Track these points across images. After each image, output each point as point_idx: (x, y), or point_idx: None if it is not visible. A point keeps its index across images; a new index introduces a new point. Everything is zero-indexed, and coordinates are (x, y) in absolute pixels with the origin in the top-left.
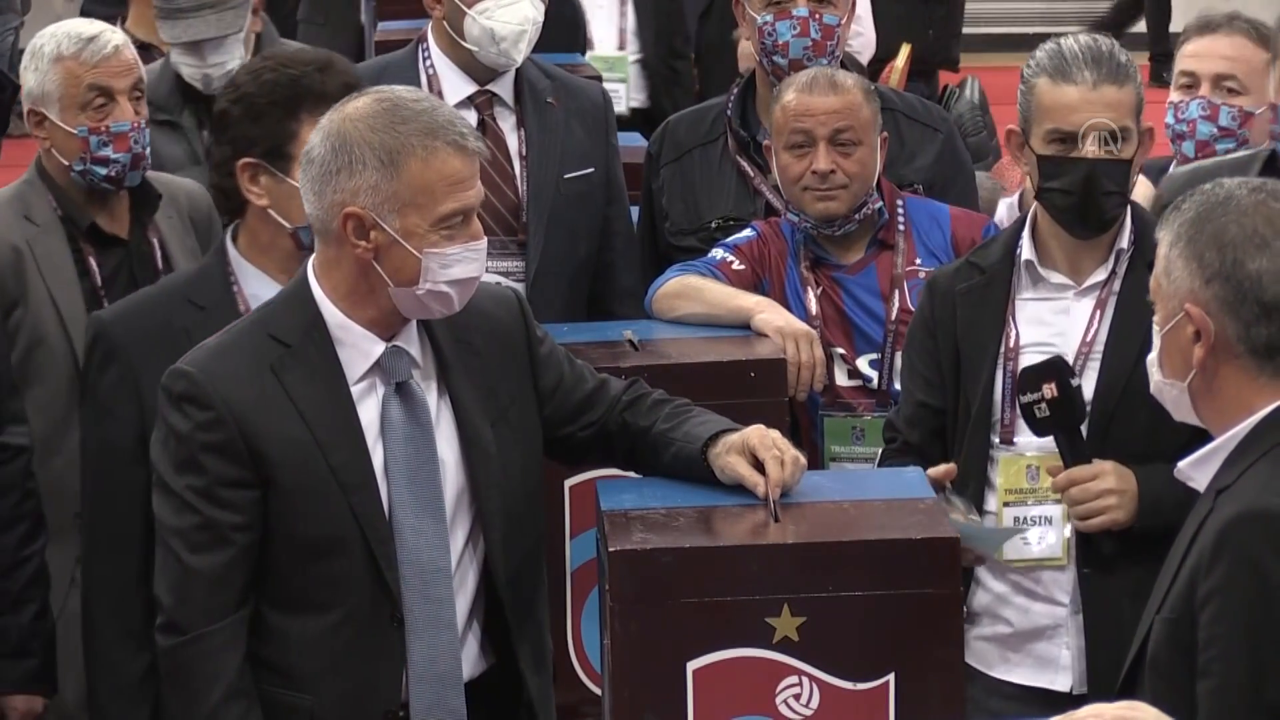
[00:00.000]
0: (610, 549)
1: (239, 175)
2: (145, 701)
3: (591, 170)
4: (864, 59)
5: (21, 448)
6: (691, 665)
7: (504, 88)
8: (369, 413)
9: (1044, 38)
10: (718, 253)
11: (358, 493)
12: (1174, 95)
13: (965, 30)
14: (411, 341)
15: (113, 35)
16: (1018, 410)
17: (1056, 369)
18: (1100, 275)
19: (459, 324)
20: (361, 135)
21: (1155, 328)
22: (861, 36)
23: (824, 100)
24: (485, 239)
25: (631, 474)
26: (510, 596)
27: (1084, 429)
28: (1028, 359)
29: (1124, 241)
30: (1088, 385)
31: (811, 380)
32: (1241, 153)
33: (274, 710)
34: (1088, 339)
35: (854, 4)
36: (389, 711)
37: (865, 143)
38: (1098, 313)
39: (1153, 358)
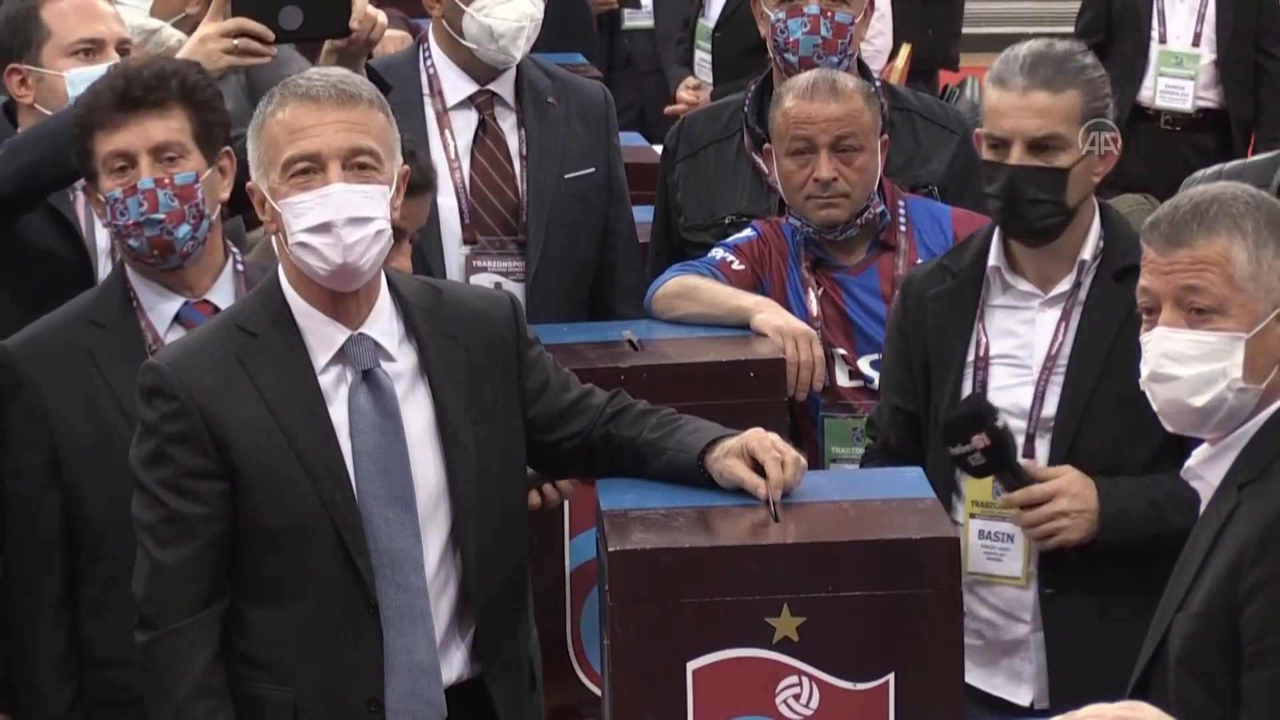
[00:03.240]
0: (610, 549)
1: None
2: None
3: (592, 170)
4: (880, 61)
5: None
6: (691, 665)
7: (505, 87)
8: (338, 402)
9: (1043, 38)
10: (718, 253)
11: (325, 479)
12: None
13: (965, 30)
14: (383, 331)
15: (173, 32)
16: None
17: (980, 416)
18: (1065, 285)
19: (443, 318)
20: (255, 116)
21: (1227, 336)
22: (882, 36)
23: (825, 107)
24: (334, 183)
25: None
26: (480, 595)
27: (1046, 445)
28: (996, 370)
29: (1086, 252)
30: (1051, 398)
31: (811, 380)
32: (1264, 155)
33: (259, 704)
34: (1052, 351)
35: (871, 2)
36: (371, 700)
37: (867, 148)
38: (1063, 324)
39: (1215, 369)
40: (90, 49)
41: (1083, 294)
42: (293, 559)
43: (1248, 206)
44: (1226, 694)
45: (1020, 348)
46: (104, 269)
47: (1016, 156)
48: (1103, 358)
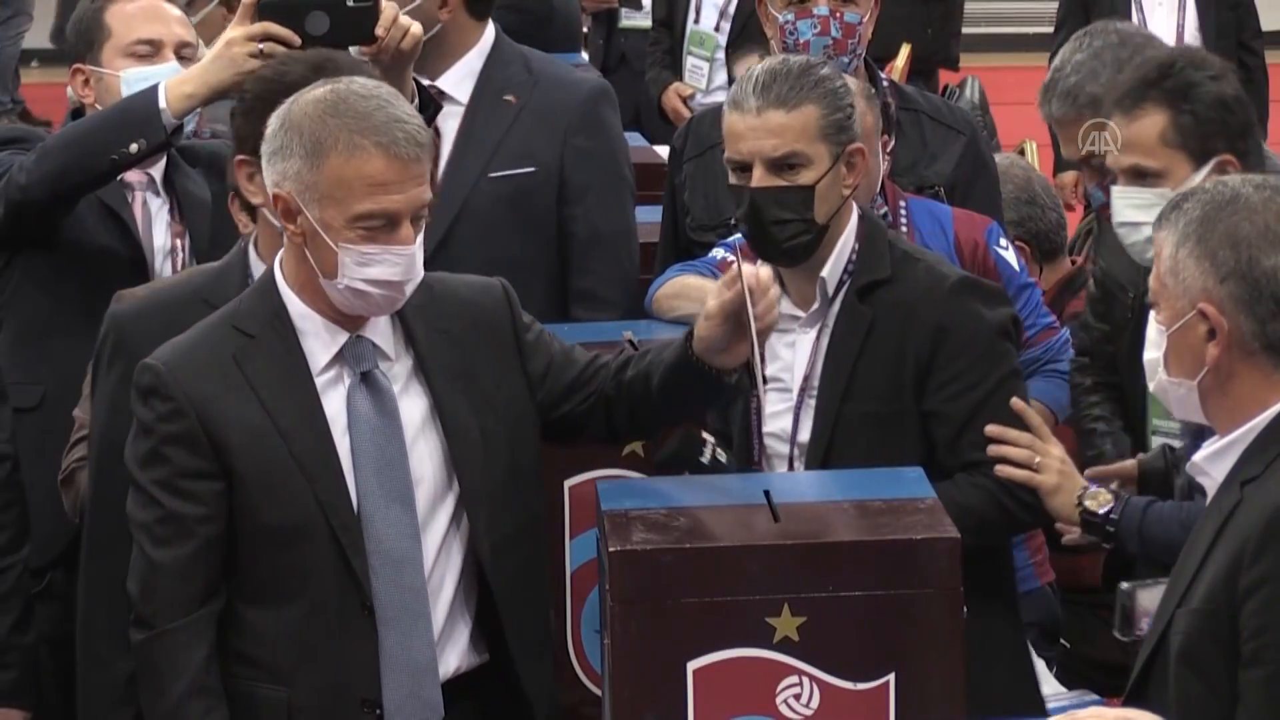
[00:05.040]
0: (610, 549)
1: (237, 173)
2: (130, 703)
3: (532, 169)
4: None
5: (3, 455)
6: (691, 665)
7: (456, 83)
8: (335, 403)
9: (1044, 38)
10: (718, 252)
11: (321, 481)
12: None
13: (965, 30)
14: (380, 332)
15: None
16: (764, 444)
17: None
18: (817, 305)
19: (436, 314)
20: (298, 121)
21: (1158, 328)
22: None
23: None
24: (413, 245)
25: (631, 474)
26: (500, 584)
27: (800, 466)
28: (768, 394)
29: (825, 270)
30: (806, 422)
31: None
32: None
33: (253, 703)
34: (806, 373)
35: (877, 2)
36: (366, 701)
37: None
38: (816, 345)
39: (1154, 358)
40: (148, 50)
41: (830, 312)
42: (289, 559)
43: (1197, 203)
44: (1225, 690)
45: (784, 370)
46: (161, 268)
47: (758, 179)
48: (846, 379)
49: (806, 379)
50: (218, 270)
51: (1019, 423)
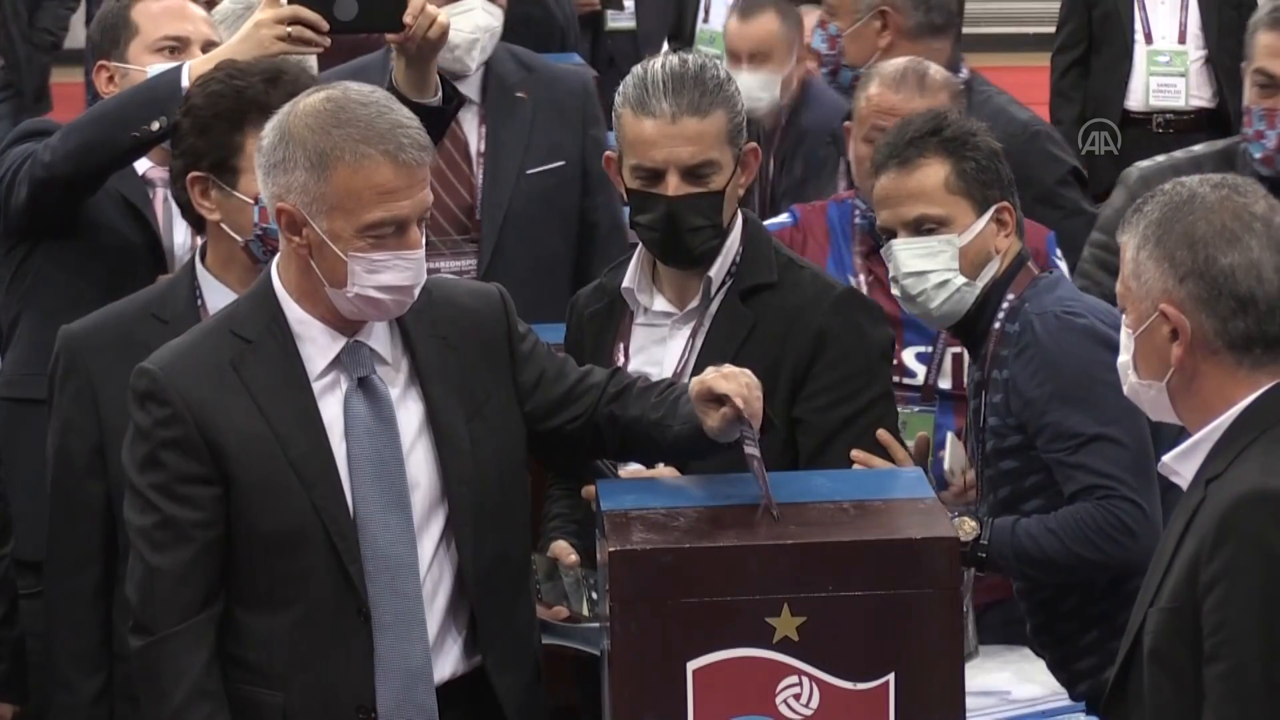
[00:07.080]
0: (610, 549)
1: (190, 189)
2: None
3: (561, 164)
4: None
5: None
6: (691, 665)
7: (469, 86)
8: (333, 408)
9: (1044, 38)
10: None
11: (318, 486)
12: None
13: (965, 30)
14: (378, 337)
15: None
16: None
17: None
18: (695, 303)
19: (434, 319)
20: (299, 133)
21: (1126, 331)
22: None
23: (909, 101)
24: (421, 248)
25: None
26: (480, 594)
27: (662, 468)
28: None
29: (713, 270)
30: None
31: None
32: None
33: (247, 707)
34: (677, 370)
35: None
36: (360, 707)
37: None
38: (691, 343)
39: (1124, 361)
40: (175, 47)
41: (709, 312)
42: (285, 565)
43: (1156, 204)
44: (1192, 686)
45: (651, 365)
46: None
47: (674, 187)
48: None
49: (677, 375)
50: (167, 284)
51: (881, 449)
